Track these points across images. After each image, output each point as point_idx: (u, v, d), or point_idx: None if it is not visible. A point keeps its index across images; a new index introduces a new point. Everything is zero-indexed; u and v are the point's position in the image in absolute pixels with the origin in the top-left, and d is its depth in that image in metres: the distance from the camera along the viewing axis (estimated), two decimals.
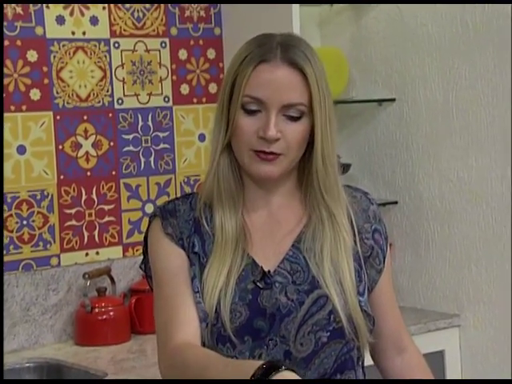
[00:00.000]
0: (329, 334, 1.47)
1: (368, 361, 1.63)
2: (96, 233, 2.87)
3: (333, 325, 1.48)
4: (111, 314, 2.77)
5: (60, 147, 2.80)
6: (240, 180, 1.53)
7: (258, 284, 1.48)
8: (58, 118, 2.79)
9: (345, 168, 3.16)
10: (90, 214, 2.86)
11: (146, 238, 1.58)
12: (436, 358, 3.01)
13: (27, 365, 2.63)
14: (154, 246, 1.55)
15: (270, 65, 1.46)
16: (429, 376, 1.65)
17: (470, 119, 2.93)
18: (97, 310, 2.76)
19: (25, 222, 2.74)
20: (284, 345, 1.46)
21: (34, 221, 2.76)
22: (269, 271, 1.50)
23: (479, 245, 2.96)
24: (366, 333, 1.51)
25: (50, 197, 2.78)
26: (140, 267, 1.61)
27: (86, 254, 2.86)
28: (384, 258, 1.60)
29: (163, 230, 1.53)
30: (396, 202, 3.17)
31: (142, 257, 1.62)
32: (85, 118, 2.85)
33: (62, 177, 2.80)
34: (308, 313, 1.47)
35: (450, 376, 3.04)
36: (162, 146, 2.99)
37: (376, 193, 3.18)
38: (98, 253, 2.88)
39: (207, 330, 1.45)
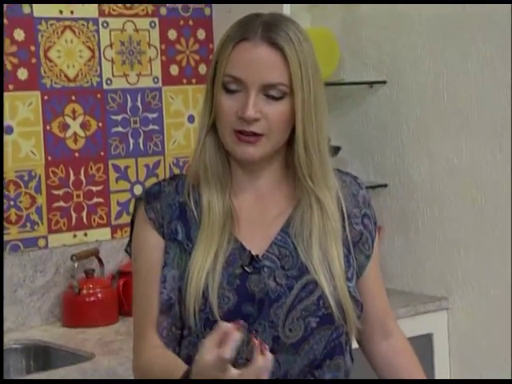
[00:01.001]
0: (318, 319, 1.46)
1: (354, 344, 1.63)
2: (84, 214, 2.85)
3: (322, 310, 1.46)
4: (99, 295, 2.76)
5: (48, 128, 2.77)
6: (227, 162, 1.52)
7: (246, 269, 1.47)
8: (46, 98, 2.77)
9: (334, 151, 3.14)
10: (78, 196, 2.84)
11: (132, 221, 1.57)
12: (424, 341, 3.02)
13: (14, 346, 2.62)
14: (136, 233, 1.54)
15: (250, 44, 1.44)
16: (414, 360, 1.64)
17: (461, 102, 2.92)
18: (84, 292, 2.75)
19: (12, 203, 2.72)
20: (273, 330, 1.45)
21: (21, 201, 2.74)
22: (257, 256, 1.48)
23: (469, 228, 2.96)
24: (354, 318, 1.50)
25: (37, 177, 2.76)
26: (125, 250, 1.60)
27: (74, 236, 2.84)
28: (373, 243, 1.59)
29: (146, 215, 1.52)
30: (386, 185, 3.16)
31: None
32: (73, 98, 2.82)
33: (49, 157, 2.78)
34: (297, 298, 1.46)
35: (437, 359, 3.04)
36: (150, 127, 2.97)
37: (366, 176, 3.17)
38: (86, 234, 2.86)
39: (194, 315, 1.44)
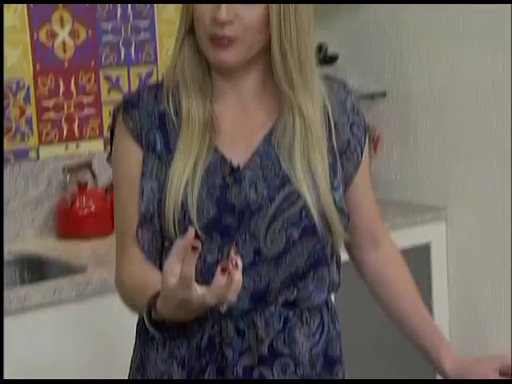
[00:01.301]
0: (300, 230, 1.42)
1: (343, 257, 1.60)
2: (75, 126, 2.80)
3: (304, 221, 1.42)
4: (92, 208, 2.73)
5: (35, 36, 2.69)
6: (207, 68, 1.46)
7: (227, 180, 1.42)
8: (32, 4, 2.68)
9: (332, 59, 3.07)
10: (69, 106, 2.78)
11: (112, 131, 1.52)
12: (422, 251, 3.01)
13: (8, 258, 2.61)
14: (115, 144, 1.50)
15: None
16: (404, 270, 1.61)
17: (462, 7, 2.83)
18: (78, 204, 2.73)
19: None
20: (254, 242, 1.42)
21: (10, 112, 2.68)
22: (238, 166, 1.44)
23: (469, 137, 2.91)
24: (340, 229, 1.46)
25: (26, 87, 2.69)
26: (107, 160, 1.55)
27: (66, 148, 2.79)
28: (362, 152, 1.54)
29: (124, 125, 1.47)
30: (385, 94, 3.09)
31: None
32: (60, 4, 2.73)
33: (38, 67, 2.71)
34: (279, 209, 1.42)
35: (435, 269, 3.03)
36: (142, 35, 2.89)
37: (364, 84, 3.11)
38: (78, 146, 2.81)
39: (174, 226, 1.41)
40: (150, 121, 1.46)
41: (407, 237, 2.94)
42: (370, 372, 2.82)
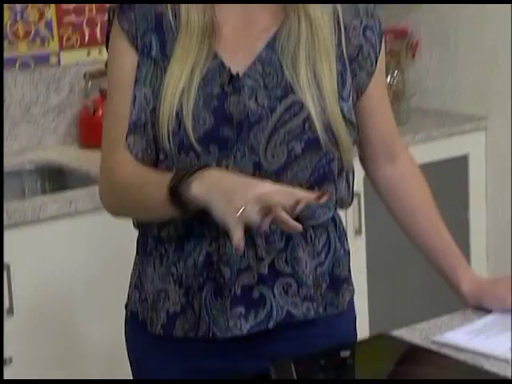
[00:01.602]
0: (303, 144, 1.32)
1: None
2: (98, 30, 2.70)
3: (308, 134, 1.32)
4: None
5: None
6: None
7: (225, 88, 1.32)
8: None
9: None
10: (91, 10, 2.68)
11: (108, 33, 1.42)
12: (460, 163, 2.91)
13: (28, 168, 2.57)
14: (110, 46, 1.40)
15: None
16: (422, 185, 1.50)
17: None
18: (100, 112, 2.65)
19: (19, 16, 2.57)
20: (253, 155, 1.32)
21: (28, 14, 2.58)
22: (237, 74, 1.33)
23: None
24: (347, 143, 1.36)
25: None
26: (106, 65, 1.46)
27: (88, 53, 2.70)
28: (376, 59, 1.41)
29: (119, 26, 1.37)
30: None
31: None
32: None
33: None
34: (280, 121, 1.32)
35: (473, 181, 2.93)
36: None
37: None
38: (100, 52, 2.71)
39: (168, 137, 1.32)
40: (147, 22, 1.36)
41: (444, 148, 2.83)
42: (394, 291, 2.73)
